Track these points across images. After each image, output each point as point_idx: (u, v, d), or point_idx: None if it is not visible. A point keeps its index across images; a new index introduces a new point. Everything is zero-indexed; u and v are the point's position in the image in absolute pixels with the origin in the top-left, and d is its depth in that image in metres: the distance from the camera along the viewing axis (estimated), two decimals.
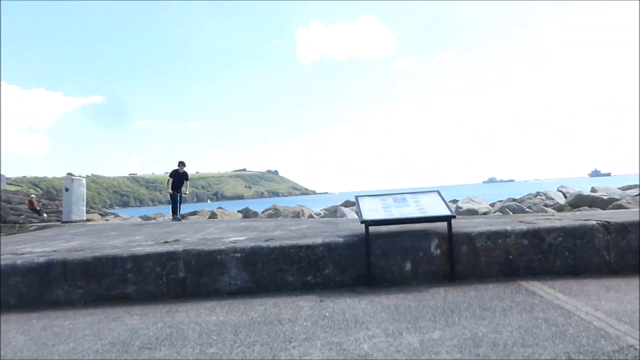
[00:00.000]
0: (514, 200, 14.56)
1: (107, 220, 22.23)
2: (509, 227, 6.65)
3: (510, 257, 6.53)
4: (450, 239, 6.43)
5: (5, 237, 13.75)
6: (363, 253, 6.46)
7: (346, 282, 6.45)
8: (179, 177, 14.65)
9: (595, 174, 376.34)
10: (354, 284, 6.46)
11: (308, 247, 6.45)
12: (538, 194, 15.40)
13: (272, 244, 6.52)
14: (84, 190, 19.21)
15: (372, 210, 6.72)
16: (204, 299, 6.26)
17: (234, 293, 6.40)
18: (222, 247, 6.49)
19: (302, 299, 5.91)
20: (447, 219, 6.46)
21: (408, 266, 6.48)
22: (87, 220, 19.42)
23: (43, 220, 24.74)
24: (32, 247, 8.15)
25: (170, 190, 14.77)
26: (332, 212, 14.51)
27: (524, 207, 12.11)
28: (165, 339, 4.63)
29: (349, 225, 8.67)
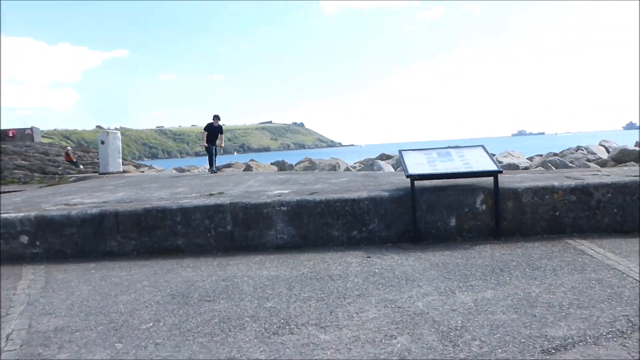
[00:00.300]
0: (555, 154, 14.20)
1: (142, 172, 22.70)
2: (556, 183, 6.52)
3: (557, 213, 6.43)
4: (497, 194, 6.35)
5: (49, 187, 14.20)
6: (409, 208, 6.45)
7: (391, 238, 6.48)
8: (214, 130, 14.64)
9: (631, 126, 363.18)
10: (399, 239, 6.49)
11: (354, 201, 6.46)
12: (579, 148, 14.95)
13: (317, 197, 6.55)
14: (120, 142, 19.53)
15: (417, 164, 6.65)
16: (251, 252, 6.40)
17: (280, 247, 6.51)
18: (268, 200, 6.56)
19: (349, 255, 5.98)
20: (494, 174, 6.36)
21: (453, 222, 6.46)
22: (124, 171, 19.84)
23: (80, 172, 25.43)
24: (80, 198, 8.39)
25: (205, 144, 14.77)
26: (369, 165, 14.45)
27: (567, 162, 11.79)
28: (222, 292, 4.77)
29: (390, 179, 8.63)
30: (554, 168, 11.49)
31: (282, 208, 6.49)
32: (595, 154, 13.67)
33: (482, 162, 6.57)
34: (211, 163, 14.81)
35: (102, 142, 19.08)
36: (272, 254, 6.27)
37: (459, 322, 3.77)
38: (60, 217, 6.66)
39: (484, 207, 6.44)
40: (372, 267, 5.38)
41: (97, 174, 20.69)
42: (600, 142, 15.67)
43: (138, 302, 4.62)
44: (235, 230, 6.55)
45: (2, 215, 6.82)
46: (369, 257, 5.84)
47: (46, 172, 24.32)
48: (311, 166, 15.12)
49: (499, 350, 3.29)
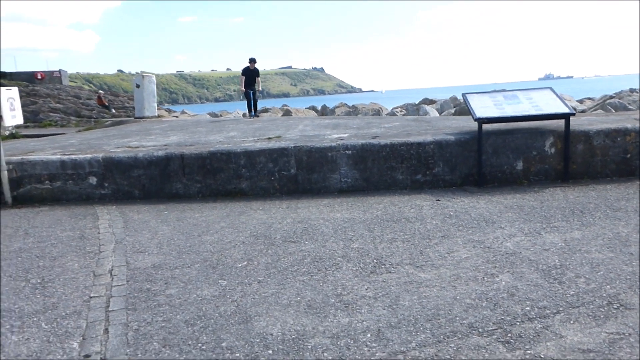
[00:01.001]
0: (611, 97, 13.75)
1: (176, 116, 22.78)
2: (628, 125, 6.35)
3: (628, 156, 6.31)
4: (567, 137, 6.22)
5: (91, 130, 14.38)
6: (474, 151, 6.37)
7: (455, 181, 6.46)
8: (250, 74, 14.43)
9: None
10: (463, 183, 6.46)
11: (419, 144, 6.41)
12: (633, 90, 14.45)
13: (381, 141, 6.51)
14: (154, 87, 19.48)
15: (484, 107, 6.51)
16: (315, 196, 6.46)
17: (343, 191, 6.55)
18: (332, 144, 6.54)
19: (417, 198, 5.99)
20: (565, 116, 6.20)
21: (520, 165, 6.39)
22: (159, 116, 19.93)
23: (114, 116, 25.66)
24: (137, 141, 8.47)
25: (243, 88, 14.61)
26: (414, 110, 14.25)
27: (626, 104, 11.42)
28: (303, 234, 4.85)
29: (444, 123, 8.50)
30: (613, 110, 11.16)
31: (347, 152, 6.47)
32: None
33: (552, 105, 6.40)
34: (250, 108, 14.68)
35: (138, 86, 19.05)
36: (337, 197, 6.31)
37: (556, 261, 3.79)
38: (128, 159, 6.76)
39: (552, 150, 6.32)
40: (445, 210, 5.39)
41: (132, 118, 20.86)
42: None
43: (223, 242, 4.73)
44: (299, 174, 6.59)
45: (71, 156, 6.96)
46: (438, 200, 5.85)
47: (81, 115, 24.60)
48: (353, 111, 14.94)
49: (607, 286, 3.31)
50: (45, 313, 3.41)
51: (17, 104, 6.79)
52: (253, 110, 14.63)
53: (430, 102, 16.05)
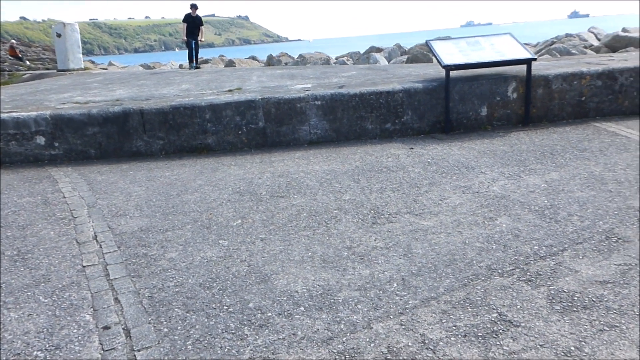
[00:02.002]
0: (553, 42, 14.33)
1: (104, 69, 21.25)
2: (584, 69, 6.66)
3: (583, 99, 6.65)
4: (529, 81, 6.43)
5: (9, 85, 13.12)
6: (441, 99, 6.46)
7: (424, 129, 6.55)
8: (192, 21, 13.68)
9: (574, 15, 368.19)
10: (431, 130, 6.57)
11: (388, 93, 6.39)
12: (568, 35, 15.11)
13: (350, 90, 6.42)
14: (78, 36, 17.95)
15: (449, 54, 6.55)
16: (285, 149, 6.33)
17: (313, 142, 6.46)
18: (301, 94, 6.37)
19: (390, 147, 6.03)
20: (527, 61, 6.39)
21: (484, 111, 6.57)
22: (85, 68, 18.51)
23: (30, 68, 23.52)
24: (80, 96, 7.82)
25: (185, 37, 13.96)
26: (364, 58, 14.13)
27: (569, 49, 11.93)
28: (289, 188, 4.76)
29: (403, 71, 8.51)
30: (558, 55, 11.64)
31: (316, 102, 6.34)
32: (587, 40, 13.90)
33: (514, 50, 6.55)
34: (191, 58, 14.03)
35: (59, 35, 17.48)
36: (309, 149, 6.23)
37: (545, 201, 3.98)
38: (81, 115, 6.25)
39: (515, 95, 6.53)
40: (422, 158, 5.47)
41: (53, 70, 19.25)
42: (589, 29, 15.87)
43: (208, 201, 4.55)
44: (268, 127, 6.40)
45: (11, 114, 6.32)
46: (412, 148, 5.92)
47: None
48: (301, 61, 14.59)
49: (600, 222, 3.53)
50: (39, 286, 3.15)
51: None
52: (195, 62, 13.92)
53: (377, 50, 15.97)
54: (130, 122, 6.27)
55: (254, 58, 17.84)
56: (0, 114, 6.36)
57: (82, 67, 18.23)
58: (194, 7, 13.58)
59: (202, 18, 14.18)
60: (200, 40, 14.13)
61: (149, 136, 6.33)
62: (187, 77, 10.36)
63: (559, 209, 3.83)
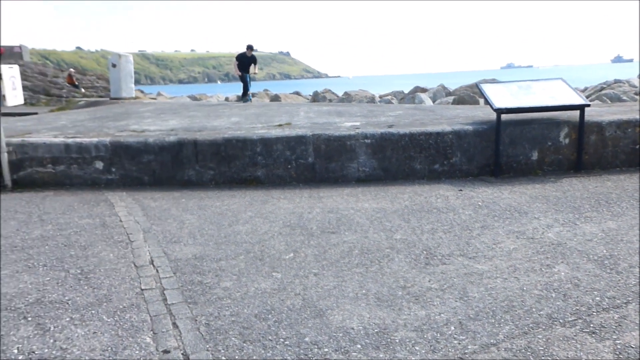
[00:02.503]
0: (602, 87, 14.19)
1: (153, 99, 22.11)
2: (638, 116, 6.54)
3: (637, 146, 6.51)
4: (582, 127, 6.36)
5: (64, 111, 13.82)
6: (491, 141, 6.44)
7: (472, 171, 6.52)
8: (247, 60, 14.77)
9: (618, 59, 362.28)
10: (480, 173, 6.53)
11: (438, 134, 6.43)
12: (617, 81, 14.92)
13: (400, 130, 6.49)
14: (132, 67, 18.81)
15: (500, 97, 6.56)
16: (334, 185, 6.40)
17: (361, 180, 6.52)
18: (351, 132, 6.48)
19: (438, 188, 6.02)
20: (581, 107, 6.33)
21: (535, 155, 6.50)
22: (136, 97, 19.32)
23: (84, 95, 24.73)
24: (136, 124, 8.17)
25: (239, 72, 14.85)
26: (409, 98, 14.30)
27: (620, 95, 11.78)
28: (339, 224, 4.80)
29: (450, 112, 8.55)
30: (609, 101, 11.49)
31: (366, 140, 6.43)
32: (637, 87, 13.67)
33: (566, 95, 6.51)
34: (245, 92, 14.92)
35: (114, 66, 18.35)
36: (357, 186, 6.28)
37: (604, 251, 3.88)
38: (138, 143, 6.52)
39: (567, 140, 6.46)
40: (472, 200, 5.44)
41: (106, 98, 20.17)
42: (639, 75, 15.65)
43: (259, 233, 4.63)
44: (317, 162, 6.51)
45: (75, 139, 6.65)
46: (461, 189, 5.89)
47: (50, 94, 23.61)
48: (347, 98, 14.87)
49: None
50: (102, 305, 3.26)
51: (18, 82, 6.43)
52: (248, 95, 14.76)
53: (422, 90, 16.14)
54: (184, 151, 6.50)
55: (298, 93, 18.27)
56: (67, 139, 6.70)
57: (133, 96, 19.05)
58: (250, 48, 14.64)
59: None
60: (254, 74, 15.01)
61: (200, 166, 6.53)
62: (235, 110, 10.68)
63: (619, 259, 3.72)
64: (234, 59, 14.92)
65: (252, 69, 14.90)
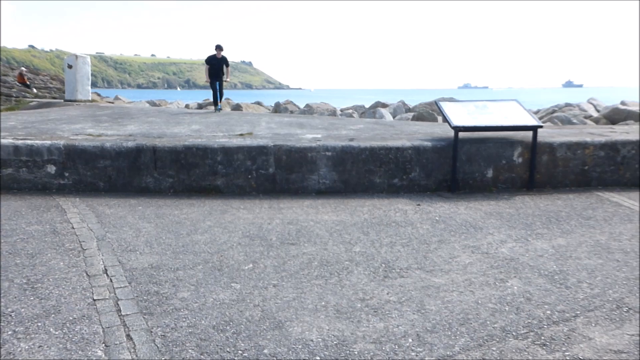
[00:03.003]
0: (554, 111, 14.80)
1: (110, 102, 21.52)
2: (588, 139, 6.87)
3: (586, 167, 6.82)
4: (534, 148, 6.61)
5: (15, 112, 13.24)
6: (449, 158, 6.61)
7: (430, 186, 6.66)
8: (217, 62, 12.66)
9: (569, 84, 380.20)
10: (437, 188, 6.68)
11: (398, 149, 6.54)
12: (568, 104, 15.61)
13: (361, 144, 6.57)
14: (89, 68, 18.32)
15: (458, 116, 6.76)
16: (294, 196, 6.39)
17: (322, 192, 6.54)
18: (313, 144, 6.50)
19: (397, 202, 6.11)
20: (534, 128, 6.60)
21: (490, 173, 6.71)
22: (92, 100, 18.77)
23: (37, 96, 23.79)
24: (92, 128, 7.92)
25: (208, 79, 12.83)
26: (370, 112, 14.47)
27: (570, 118, 12.31)
28: (299, 236, 4.79)
29: (410, 128, 8.73)
30: (560, 123, 11.98)
31: (327, 153, 6.47)
32: (586, 111, 14.36)
33: (520, 116, 6.78)
34: (216, 100, 13.24)
35: (70, 67, 17.83)
36: (317, 198, 6.30)
37: (555, 267, 4.03)
38: (94, 148, 6.33)
39: (520, 160, 6.70)
40: (430, 215, 5.55)
41: (60, 100, 19.52)
42: (588, 100, 16.44)
43: (218, 243, 4.57)
44: (278, 173, 6.49)
45: (26, 141, 6.39)
46: (419, 204, 6.00)
47: None
48: (308, 110, 14.92)
49: (610, 291, 3.58)
50: (49, 317, 3.12)
51: None
52: (219, 104, 13.48)
53: (383, 105, 16.41)
54: (142, 158, 6.35)
55: (259, 103, 18.20)
56: (17, 141, 6.43)
57: (90, 98, 18.51)
58: (219, 48, 12.61)
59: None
60: (226, 81, 13.19)
61: (159, 173, 6.40)
62: (196, 118, 10.54)
63: (569, 275, 3.88)
64: (204, 64, 12.82)
65: (225, 74, 12.90)
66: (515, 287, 3.65)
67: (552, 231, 4.97)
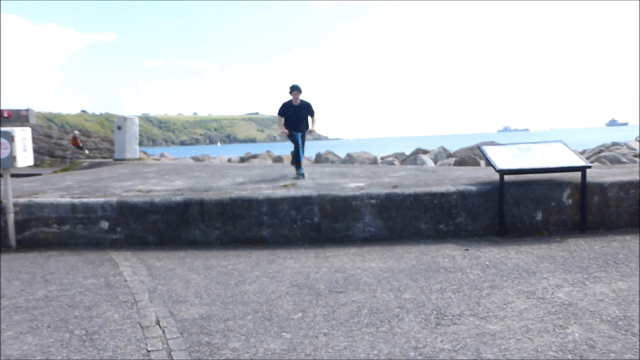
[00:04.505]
0: (601, 150, 14.48)
1: (157, 160, 22.43)
2: (639, 177, 6.63)
3: (639, 207, 6.55)
4: (584, 188, 6.43)
5: (68, 172, 13.94)
6: (495, 201, 6.50)
7: (477, 231, 6.53)
8: (296, 112, 8.89)
9: (613, 123, 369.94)
10: (485, 233, 6.54)
11: (442, 194, 6.49)
12: (615, 143, 15.22)
13: (405, 191, 6.56)
14: (137, 129, 19.25)
15: (502, 159, 6.69)
16: (339, 245, 6.39)
17: (367, 240, 6.51)
18: (357, 193, 6.55)
19: (444, 248, 6.01)
20: (582, 169, 6.44)
21: (539, 216, 6.54)
22: (139, 158, 19.60)
23: (88, 157, 25.07)
24: (142, 184, 8.25)
25: (285, 130, 9.01)
26: (412, 159, 14.57)
27: (619, 157, 12.00)
28: (347, 284, 4.76)
29: (453, 173, 8.68)
30: (608, 163, 11.68)
31: (371, 201, 6.49)
32: (635, 149, 13.94)
33: (566, 157, 6.65)
34: (298, 160, 8.94)
35: (119, 128, 18.79)
36: (363, 246, 6.27)
37: (617, 312, 3.83)
38: (144, 203, 6.57)
39: (570, 201, 6.52)
40: (479, 260, 5.42)
41: (109, 159, 20.46)
42: (636, 138, 16.01)
43: (266, 293, 4.59)
44: (322, 222, 6.53)
45: (82, 199, 6.71)
46: (467, 249, 5.88)
47: (54, 155, 23.93)
48: (349, 159, 15.11)
49: None
50: None
51: (29, 144, 6.57)
52: (302, 166, 8.92)
53: (424, 152, 16.43)
54: (190, 211, 6.54)
55: (318, 154, 18.51)
56: (74, 199, 6.76)
57: (137, 157, 19.35)
58: (296, 90, 8.81)
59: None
60: (311, 131, 9.20)
61: (206, 225, 6.55)
62: (239, 171, 10.82)
63: (633, 320, 3.67)
64: (277, 116, 9.12)
65: (311, 124, 9.10)
66: (577, 334, 3.48)
67: (611, 274, 4.75)
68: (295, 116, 8.90)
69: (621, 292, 4.28)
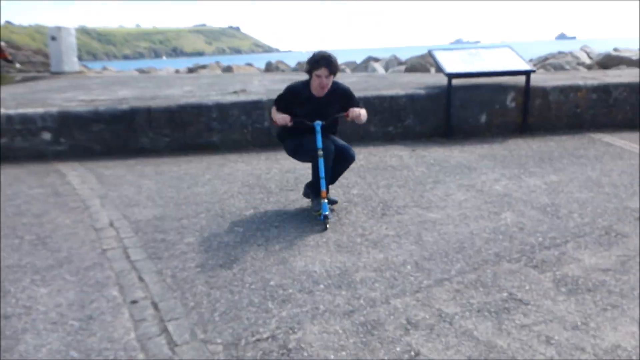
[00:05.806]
0: (547, 58, 14.75)
1: (100, 73, 21.25)
2: (580, 82, 6.93)
3: (578, 110, 6.90)
4: (528, 92, 6.67)
5: (16, 85, 13.08)
6: (443, 105, 6.66)
7: (425, 133, 6.73)
8: (315, 108, 4.13)
9: (562, 37, 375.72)
10: (432, 134, 6.75)
11: (392, 97, 6.58)
12: (561, 52, 15.57)
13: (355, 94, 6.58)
14: (74, 40, 17.99)
15: (451, 63, 6.77)
16: None
17: None
18: None
19: (393, 149, 6.20)
20: (527, 73, 6.64)
21: (484, 118, 6.78)
22: (80, 72, 18.54)
23: (21, 71, 23.44)
24: (85, 95, 7.89)
25: (290, 122, 4.10)
26: (362, 67, 14.40)
27: (563, 65, 12.32)
28: (298, 182, 4.90)
29: (403, 79, 8.74)
30: (553, 70, 11.99)
31: None
32: (579, 58, 14.33)
33: (514, 62, 6.80)
34: (317, 185, 3.95)
35: (53, 39, 17.49)
36: None
37: (547, 200, 4.17)
38: (88, 112, 6.34)
39: (513, 104, 6.76)
40: (425, 159, 5.65)
41: (46, 73, 19.25)
42: (581, 48, 16.42)
43: (218, 193, 4.67)
44: (273, 126, 6.53)
45: (18, 110, 6.39)
46: (414, 149, 6.09)
47: None
48: (300, 68, 14.81)
49: (599, 219, 3.73)
50: (63, 266, 3.24)
51: None
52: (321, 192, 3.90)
53: (375, 60, 16.31)
54: (137, 119, 6.37)
55: (250, 64, 18.07)
56: (8, 110, 6.42)
57: (77, 70, 18.28)
58: (326, 64, 4.04)
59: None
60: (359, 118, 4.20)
61: (154, 133, 6.44)
62: (188, 81, 10.47)
63: (560, 207, 4.01)
64: (274, 106, 4.35)
65: (351, 112, 4.13)
66: (509, 219, 3.78)
67: (545, 169, 5.09)
68: (316, 115, 4.10)
69: (552, 183, 4.62)
